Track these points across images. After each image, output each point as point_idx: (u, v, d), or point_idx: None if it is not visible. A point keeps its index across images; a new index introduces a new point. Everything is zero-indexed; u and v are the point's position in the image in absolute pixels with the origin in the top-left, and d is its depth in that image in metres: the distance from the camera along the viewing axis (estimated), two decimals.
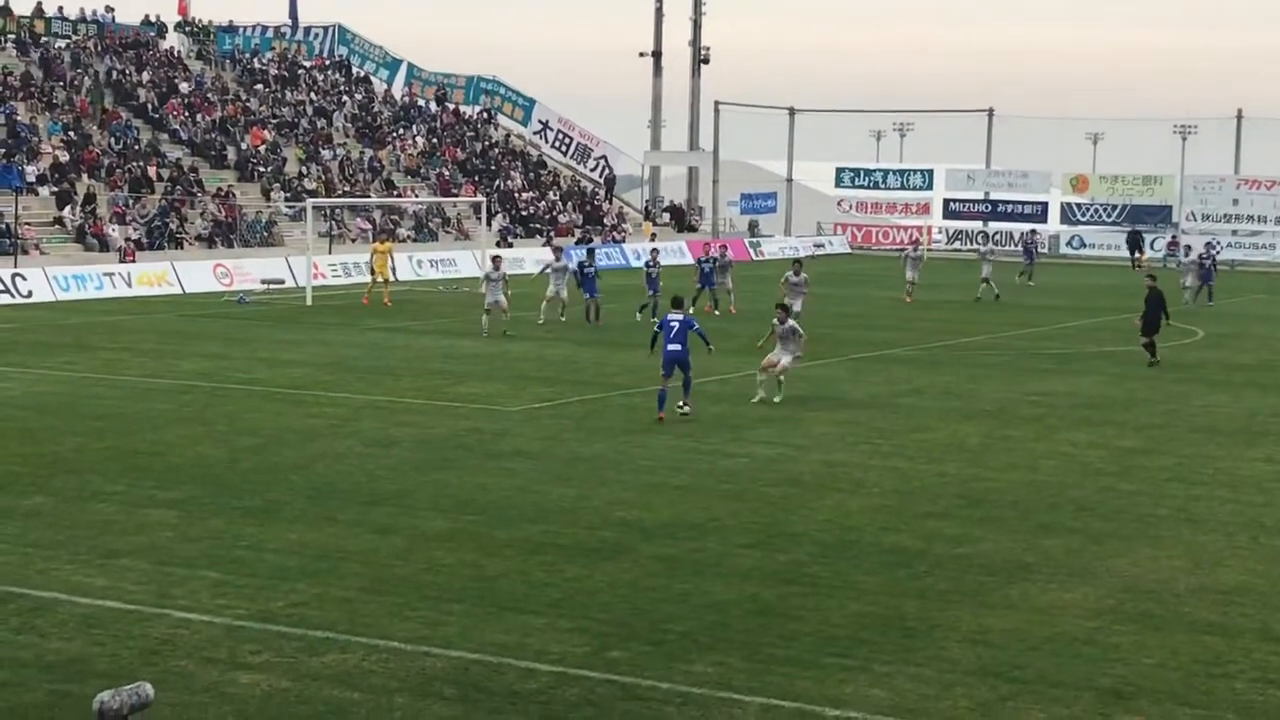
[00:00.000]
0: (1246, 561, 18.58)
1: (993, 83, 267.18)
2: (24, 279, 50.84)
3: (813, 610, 16.14)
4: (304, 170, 72.74)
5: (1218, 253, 66.37)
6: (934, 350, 40.11)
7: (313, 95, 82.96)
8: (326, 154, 75.95)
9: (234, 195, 66.99)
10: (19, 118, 65.90)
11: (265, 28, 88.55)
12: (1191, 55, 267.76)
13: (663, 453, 24.77)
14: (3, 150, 62.82)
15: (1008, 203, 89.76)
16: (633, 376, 32.84)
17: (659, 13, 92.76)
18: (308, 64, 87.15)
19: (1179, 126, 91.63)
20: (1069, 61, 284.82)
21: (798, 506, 21.02)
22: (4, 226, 56.68)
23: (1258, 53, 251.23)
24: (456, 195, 76.73)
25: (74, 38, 76.40)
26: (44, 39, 75.09)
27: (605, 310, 45.70)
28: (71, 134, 66.67)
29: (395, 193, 75.12)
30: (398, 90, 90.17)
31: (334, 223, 67.67)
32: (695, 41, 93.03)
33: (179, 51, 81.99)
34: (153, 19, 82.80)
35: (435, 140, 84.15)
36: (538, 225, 78.71)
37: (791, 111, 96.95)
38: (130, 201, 62.81)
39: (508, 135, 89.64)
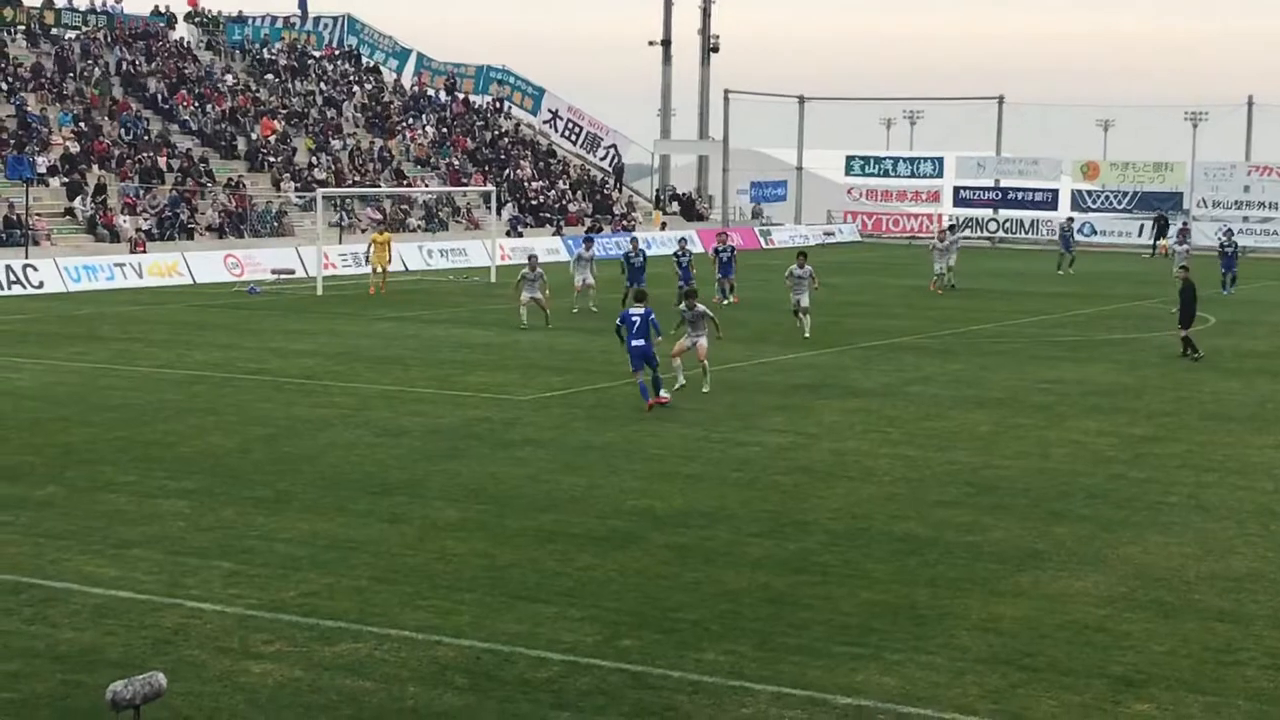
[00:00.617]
0: (1257, 548, 18.57)
1: (1003, 70, 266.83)
2: (35, 270, 50.91)
3: (823, 599, 16.14)
4: (314, 160, 72.78)
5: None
6: (944, 338, 40.07)
7: (322, 85, 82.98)
8: (336, 144, 75.97)
9: (244, 185, 67.04)
10: (29, 109, 65.96)
11: (274, 18, 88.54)
12: (1203, 41, 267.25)
13: (673, 441, 24.78)
14: (13, 141, 62.89)
15: (1018, 190, 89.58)
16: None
17: (668, 1, 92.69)
18: (317, 54, 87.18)
19: (1190, 113, 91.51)
20: (1080, 48, 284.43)
21: (808, 495, 21.02)
22: (15, 217, 56.75)
23: (1269, 39, 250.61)
24: (466, 185, 76.73)
25: (84, 29, 76.43)
26: (54, 30, 75.13)
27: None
28: (82, 125, 66.74)
29: (405, 182, 75.14)
30: (407, 80, 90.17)
31: (344, 213, 67.73)
32: (705, 30, 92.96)
33: (188, 42, 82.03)
34: (162, 10, 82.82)
35: (445, 130, 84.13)
36: (547, 214, 78.70)
37: (801, 100, 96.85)
38: (141, 192, 62.89)
39: (517, 125, 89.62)
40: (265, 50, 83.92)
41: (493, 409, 27.76)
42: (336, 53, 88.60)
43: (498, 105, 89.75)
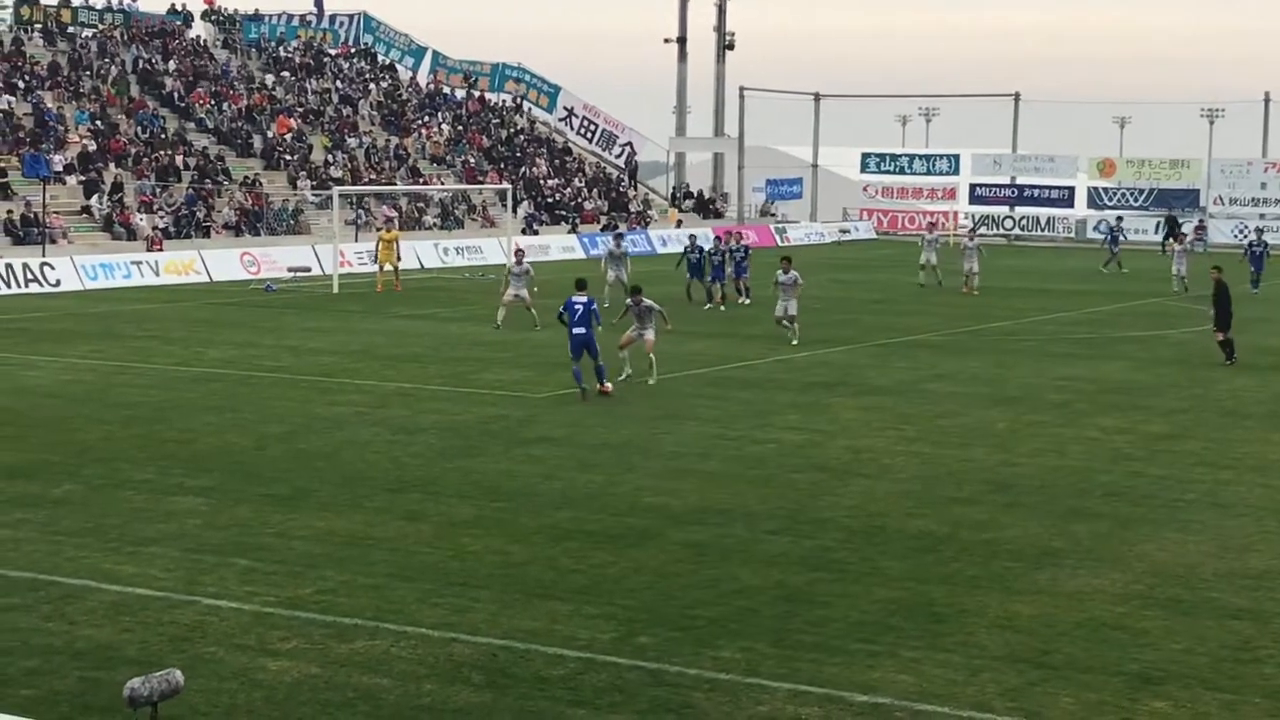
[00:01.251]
0: (1275, 546, 18.52)
1: (1019, 66, 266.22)
2: (52, 268, 51.02)
3: (840, 596, 16.13)
4: (330, 158, 72.86)
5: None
6: (960, 336, 40.02)
7: (338, 83, 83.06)
8: (352, 142, 76.04)
9: (260, 183, 67.12)
10: (46, 107, 66.09)
11: (290, 16, 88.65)
12: (1219, 37, 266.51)
13: (689, 439, 24.77)
14: (30, 139, 63.02)
15: (1034, 187, 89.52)
16: (660, 363, 32.81)
17: None
18: (333, 52, 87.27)
19: (1206, 109, 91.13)
20: (1096, 44, 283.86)
21: (824, 492, 21.00)
22: (32, 216, 56.87)
23: None
24: (482, 182, 76.77)
25: (100, 27, 76.56)
26: (70, 28, 75.28)
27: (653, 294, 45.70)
28: (98, 123, 66.86)
29: (421, 180, 75.20)
30: (423, 78, 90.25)
31: (360, 210, 67.78)
32: (720, 27, 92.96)
33: (205, 40, 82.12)
34: (178, 8, 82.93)
35: (460, 128, 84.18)
36: (563, 212, 78.72)
37: (817, 97, 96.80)
38: (157, 190, 63.00)
39: (533, 122, 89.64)
40: (281, 48, 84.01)
41: (509, 406, 27.76)
42: (352, 51, 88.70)
43: (517, 104, 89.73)
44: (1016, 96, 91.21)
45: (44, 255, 52.98)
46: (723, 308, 45.65)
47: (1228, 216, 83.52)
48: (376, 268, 52.47)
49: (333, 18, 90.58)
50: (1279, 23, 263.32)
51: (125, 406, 27.32)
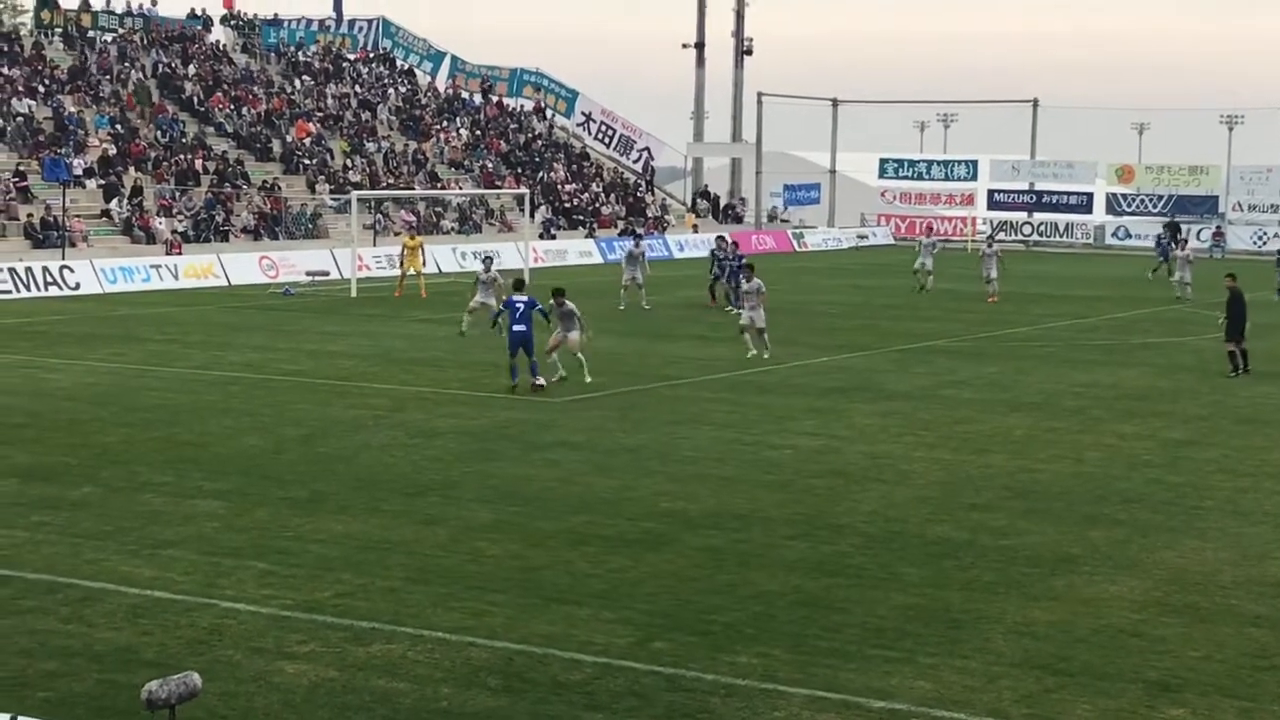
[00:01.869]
0: None
1: (1038, 72, 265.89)
2: (72, 271, 51.14)
3: (858, 602, 16.10)
4: (348, 163, 72.97)
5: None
6: (979, 341, 39.96)
7: (357, 88, 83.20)
8: (371, 147, 76.16)
9: (279, 188, 67.25)
10: (67, 111, 66.28)
11: (309, 21, 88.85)
12: (1239, 43, 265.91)
13: (706, 444, 24.76)
14: (50, 143, 63.20)
15: (1052, 193, 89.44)
16: (677, 368, 32.83)
17: (701, 4, 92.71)
18: (352, 57, 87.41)
19: (1225, 116, 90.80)
20: (1115, 50, 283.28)
21: (842, 498, 20.98)
22: (52, 219, 57.02)
23: None
24: (500, 187, 76.84)
25: (120, 31, 76.77)
26: (90, 33, 75.48)
27: (655, 300, 45.69)
28: (118, 127, 67.04)
29: (439, 185, 75.30)
30: (441, 83, 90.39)
31: (378, 215, 67.86)
32: (738, 32, 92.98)
33: (224, 45, 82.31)
34: (198, 12, 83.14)
35: (479, 133, 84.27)
36: (580, 217, 78.77)
37: (835, 102, 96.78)
38: (176, 194, 63.14)
39: (551, 127, 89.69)
40: (300, 53, 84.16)
41: (526, 410, 27.77)
42: (371, 56, 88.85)
43: (540, 110, 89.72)
44: (1035, 102, 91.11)
45: (64, 259, 53.11)
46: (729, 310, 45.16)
47: (1246, 223, 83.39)
48: (399, 273, 52.35)
49: (351, 22, 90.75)
50: None
51: (144, 410, 27.37)
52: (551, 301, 31.04)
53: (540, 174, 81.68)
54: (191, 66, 76.18)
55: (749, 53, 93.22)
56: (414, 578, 16.74)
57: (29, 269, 49.92)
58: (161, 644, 14.46)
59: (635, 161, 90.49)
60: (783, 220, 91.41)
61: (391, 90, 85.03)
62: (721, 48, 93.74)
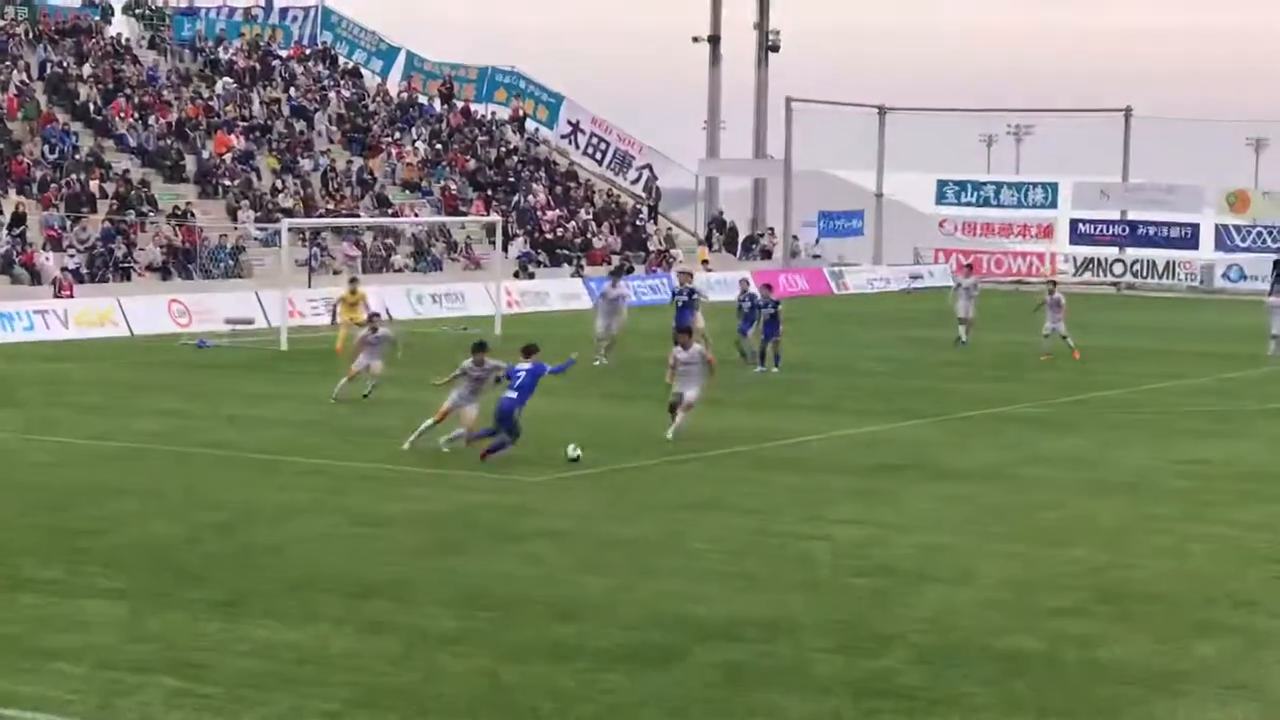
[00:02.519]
0: None
1: (1132, 77, 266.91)
2: None
3: None
4: (278, 184, 73.15)
5: None
6: (1060, 407, 40.03)
7: (290, 92, 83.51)
8: (306, 164, 76.38)
9: (193, 215, 67.38)
10: None
11: (233, 10, 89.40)
12: None
13: (722, 533, 24.79)
14: None
15: (1149, 224, 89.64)
16: (684, 440, 32.86)
17: None
18: (284, 54, 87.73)
19: None
20: (1227, 50, 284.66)
21: (890, 601, 21.00)
22: None
23: None
24: (465, 214, 77.04)
25: (0, 23, 76.96)
26: None
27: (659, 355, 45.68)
28: None
29: (390, 211, 75.47)
30: (394, 85, 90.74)
31: (315, 249, 67.98)
32: (762, 24, 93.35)
33: (128, 39, 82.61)
34: (96, 0, 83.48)
35: (440, 146, 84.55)
36: (565, 251, 78.92)
37: (881, 110, 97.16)
38: (68, 224, 63.29)
39: (529, 140, 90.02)
40: (221, 49, 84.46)
41: (497, 493, 27.80)
42: (308, 52, 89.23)
43: (518, 120, 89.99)
44: (1128, 113, 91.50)
45: None
46: (771, 369, 45.09)
47: None
48: (338, 325, 52.32)
49: (284, 11, 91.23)
50: None
51: (26, 489, 27.39)
52: (471, 362, 31.39)
53: (516, 198, 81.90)
54: (87, 66, 76.49)
55: (775, 49, 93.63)
56: (358, 699, 16.76)
57: None
58: None
59: (634, 182, 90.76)
60: (814, 256, 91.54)
61: (333, 94, 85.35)
62: (741, 43, 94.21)
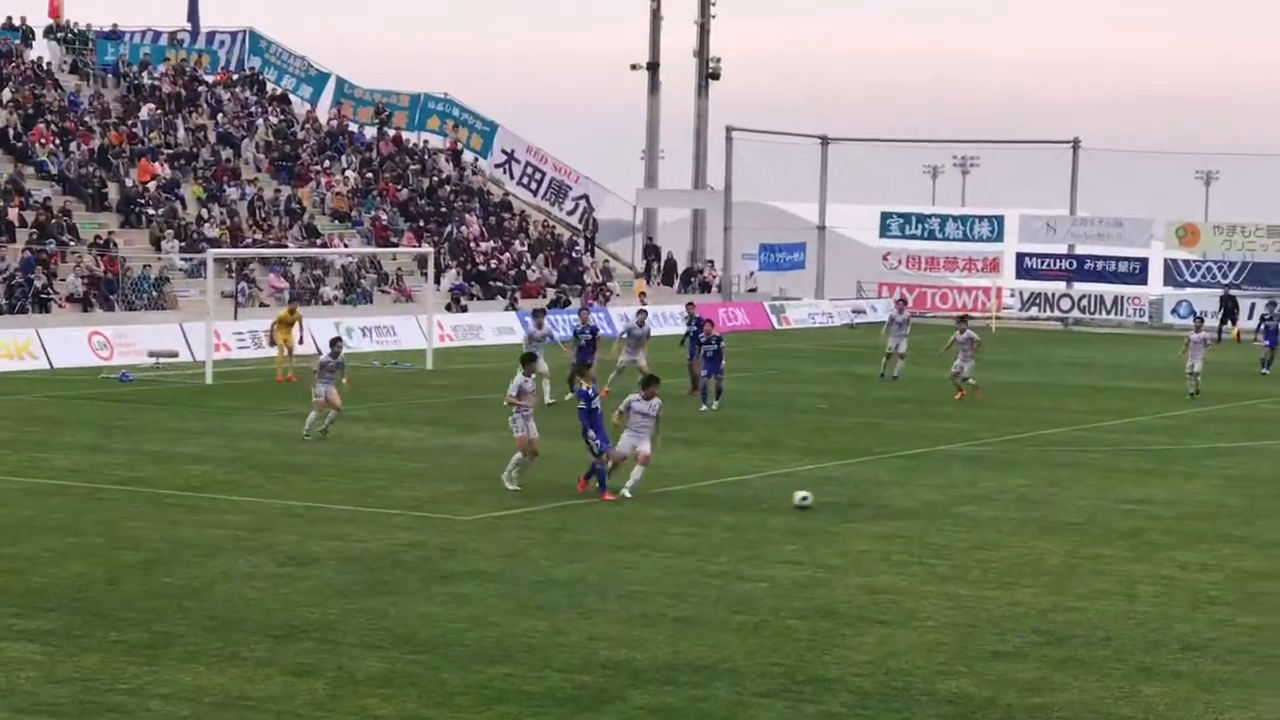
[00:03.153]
0: None
1: (1079, 107, 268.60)
2: None
3: None
4: (204, 213, 72.95)
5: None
6: (1006, 445, 40.18)
7: (217, 118, 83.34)
8: (233, 193, 76.21)
9: (115, 245, 67.13)
10: None
11: (158, 34, 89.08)
12: None
13: (659, 575, 24.79)
14: None
15: (1097, 258, 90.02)
16: (622, 477, 32.86)
17: (656, 14, 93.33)
18: (210, 79, 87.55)
19: None
20: (1176, 84, 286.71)
21: (831, 644, 21.03)
22: None
23: None
24: (397, 245, 76.95)
25: None
26: None
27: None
28: None
29: (319, 242, 75.34)
30: (323, 112, 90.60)
31: (242, 280, 67.81)
32: (702, 51, 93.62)
33: (49, 63, 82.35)
34: (16, 23, 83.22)
35: (370, 175, 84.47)
36: (500, 283, 78.89)
37: (824, 140, 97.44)
38: None
39: (463, 170, 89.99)
40: (146, 74, 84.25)
41: (427, 531, 27.75)
42: (235, 77, 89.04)
43: (455, 152, 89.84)
44: (1075, 144, 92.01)
45: None
46: (713, 404, 45.11)
47: None
48: (276, 351, 52.77)
49: (211, 35, 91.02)
50: None
51: None
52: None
53: (448, 228, 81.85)
54: (7, 90, 76.21)
55: (715, 76, 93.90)
56: None
57: None
58: None
59: (570, 213, 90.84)
60: (750, 291, 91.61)
61: (260, 121, 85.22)
62: (681, 71, 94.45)
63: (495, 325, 70.14)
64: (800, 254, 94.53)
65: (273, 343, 53.11)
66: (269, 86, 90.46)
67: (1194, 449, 40.30)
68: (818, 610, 22.82)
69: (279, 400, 46.49)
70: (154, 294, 65.61)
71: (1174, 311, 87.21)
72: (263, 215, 75.34)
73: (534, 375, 32.81)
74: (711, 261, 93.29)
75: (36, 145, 72.85)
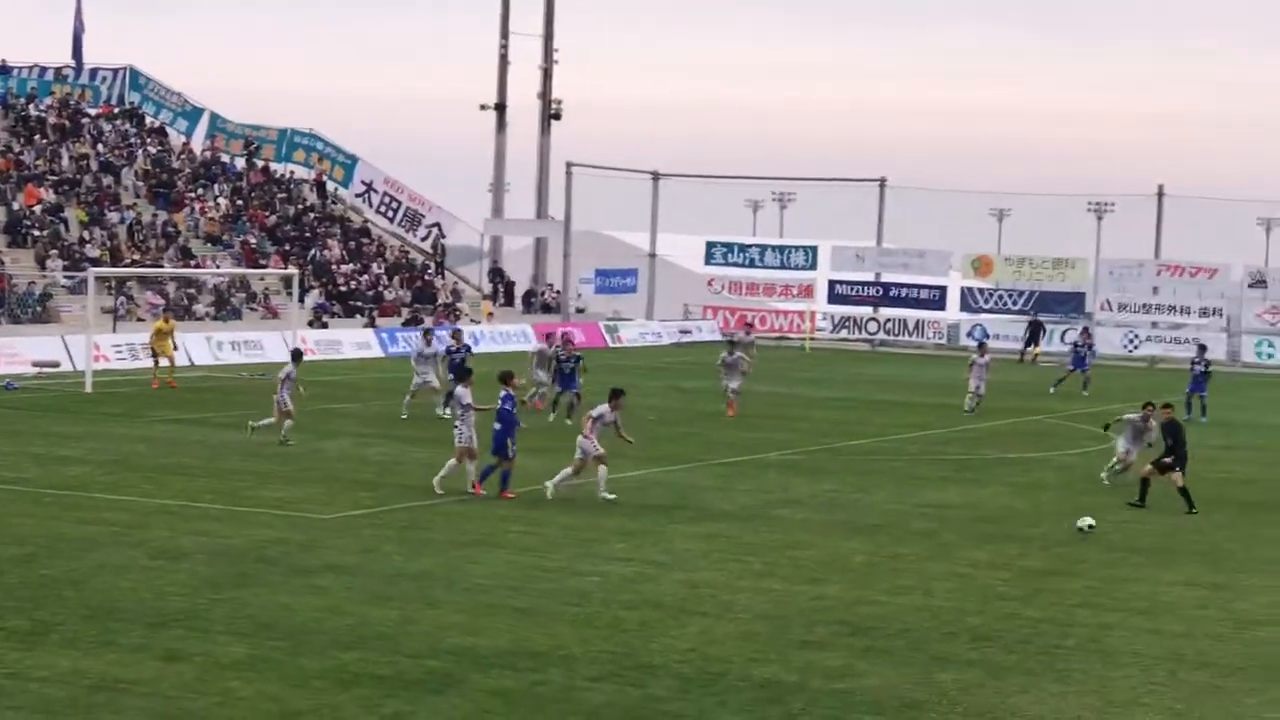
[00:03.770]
0: (1164, 700, 18.90)
1: (886, 149, 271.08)
2: None
3: None
4: (86, 235, 72.06)
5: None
6: (815, 454, 40.43)
7: (99, 148, 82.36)
8: (113, 216, 75.34)
9: (2, 263, 66.20)
10: None
11: (44, 69, 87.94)
12: (1109, 125, 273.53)
13: (501, 569, 24.75)
14: None
15: (901, 286, 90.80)
16: (457, 482, 32.76)
17: (503, 59, 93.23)
18: (93, 112, 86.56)
19: (1094, 203, 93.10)
20: (973, 128, 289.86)
21: (656, 633, 21.07)
22: None
23: (1182, 125, 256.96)
24: (264, 266, 76.36)
25: None
26: None
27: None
28: None
29: (193, 263, 74.61)
30: (198, 144, 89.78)
31: (121, 297, 67.05)
32: (545, 93, 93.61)
33: None
34: None
35: (240, 202, 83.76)
36: (359, 303, 78.46)
37: (655, 176, 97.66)
38: None
39: (326, 199, 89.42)
40: (32, 106, 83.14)
41: (288, 529, 27.55)
42: (116, 111, 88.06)
43: (320, 184, 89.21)
44: (882, 183, 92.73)
45: None
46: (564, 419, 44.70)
47: (1116, 324, 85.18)
48: (151, 361, 53.12)
49: (94, 72, 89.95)
50: (1174, 110, 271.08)
51: None
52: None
53: (312, 252, 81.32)
54: None
55: (557, 117, 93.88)
56: None
57: None
58: None
59: (424, 239, 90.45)
60: (578, 310, 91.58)
61: (139, 151, 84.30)
62: (526, 111, 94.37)
63: (354, 341, 69.80)
64: (633, 279, 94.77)
65: (153, 353, 52.94)
66: (148, 120, 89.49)
67: (985, 459, 40.71)
68: (645, 602, 22.87)
69: (155, 407, 46.01)
70: (38, 309, 64.72)
71: (969, 335, 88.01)
72: (141, 238, 74.51)
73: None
74: (551, 284, 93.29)
75: None
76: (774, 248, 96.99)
